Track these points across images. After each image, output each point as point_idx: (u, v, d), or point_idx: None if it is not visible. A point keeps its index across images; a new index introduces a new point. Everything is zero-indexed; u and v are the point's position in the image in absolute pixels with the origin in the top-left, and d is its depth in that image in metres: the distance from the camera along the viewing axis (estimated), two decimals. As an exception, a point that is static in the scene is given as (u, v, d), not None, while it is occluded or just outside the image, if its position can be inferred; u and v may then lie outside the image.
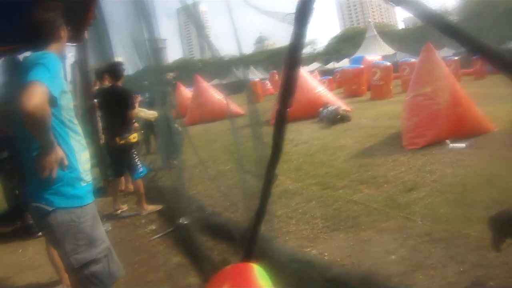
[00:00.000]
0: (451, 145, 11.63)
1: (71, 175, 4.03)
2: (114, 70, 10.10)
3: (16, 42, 8.34)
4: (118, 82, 9.97)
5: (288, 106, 4.01)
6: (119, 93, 9.76)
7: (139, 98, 10.72)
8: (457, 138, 11.87)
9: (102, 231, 4.40)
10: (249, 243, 5.23)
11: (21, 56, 6.11)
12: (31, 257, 8.47)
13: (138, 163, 9.87)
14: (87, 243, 4.09)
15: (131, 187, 11.33)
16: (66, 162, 3.91)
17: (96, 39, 12.85)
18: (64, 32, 4.38)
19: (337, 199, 8.66)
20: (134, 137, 9.77)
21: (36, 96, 3.43)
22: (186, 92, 35.79)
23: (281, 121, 4.12)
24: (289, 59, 3.85)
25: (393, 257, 5.97)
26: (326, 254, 6.38)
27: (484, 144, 11.47)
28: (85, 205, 4.13)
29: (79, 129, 4.29)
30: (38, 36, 4.16)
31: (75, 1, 7.79)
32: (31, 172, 3.95)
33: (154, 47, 8.99)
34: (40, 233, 8.98)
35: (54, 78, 3.71)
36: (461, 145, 11.52)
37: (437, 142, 11.84)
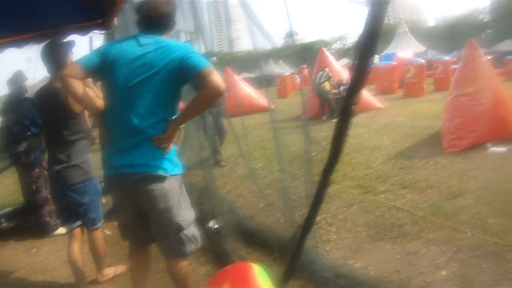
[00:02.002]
0: (492, 149, 11.28)
1: (174, 147, 4.46)
2: None
3: (56, 26, 8.13)
4: None
5: (356, 102, 3.56)
6: None
7: None
8: (497, 141, 11.52)
9: None
10: (293, 257, 4.88)
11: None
12: (45, 258, 8.14)
13: None
14: (187, 206, 4.61)
15: None
16: (176, 138, 4.45)
17: (125, 27, 12.71)
18: (174, 25, 4.75)
19: (380, 204, 8.26)
20: None
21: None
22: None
23: (345, 119, 3.62)
24: (363, 46, 3.31)
25: (443, 272, 5.61)
26: (371, 268, 5.97)
27: None
28: (182, 173, 4.55)
29: None
30: (160, 25, 4.49)
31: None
32: (145, 142, 4.18)
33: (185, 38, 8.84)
34: (56, 232, 8.76)
35: None
36: (502, 149, 11.18)
37: (478, 145, 11.47)
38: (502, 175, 9.17)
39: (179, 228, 4.43)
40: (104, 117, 4.51)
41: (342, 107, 3.60)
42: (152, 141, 4.16)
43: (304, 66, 57.10)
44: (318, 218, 7.37)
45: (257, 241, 7.08)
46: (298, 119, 21.13)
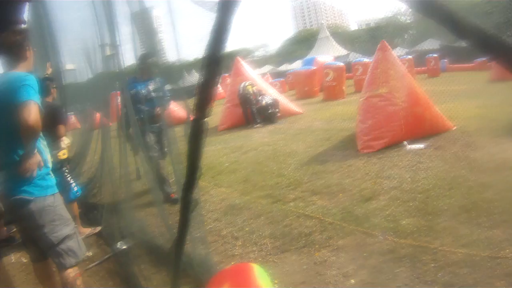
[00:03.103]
0: (408, 146, 11.20)
1: (44, 171, 4.91)
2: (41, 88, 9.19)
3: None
4: (47, 98, 8.89)
5: (206, 115, 3.22)
6: (47, 109, 8.73)
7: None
8: (415, 138, 11.51)
9: (68, 213, 5.25)
10: (174, 279, 4.82)
11: None
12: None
13: (72, 182, 8.92)
14: (62, 223, 4.99)
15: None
16: (42, 164, 4.81)
17: (39, 45, 12.49)
18: (30, 53, 5.11)
19: (288, 213, 7.92)
20: (63, 153, 8.76)
21: (34, 113, 4.39)
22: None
23: (196, 133, 3.27)
24: (209, 56, 2.99)
25: (352, 281, 5.41)
26: (276, 281, 5.65)
27: (443, 144, 11.08)
28: (56, 193, 5.05)
29: (42, 136, 5.06)
30: (8, 57, 4.91)
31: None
32: (12, 172, 4.74)
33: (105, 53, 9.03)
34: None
35: (38, 96, 4.61)
36: (420, 145, 11.13)
37: (394, 144, 11.41)
38: (418, 172, 9.05)
39: (51, 243, 4.90)
40: None
41: (193, 121, 3.27)
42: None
43: (227, 75, 57.04)
44: (224, 232, 7.43)
45: (163, 261, 6.65)
46: (217, 129, 21.47)
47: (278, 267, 6.03)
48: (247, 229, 7.60)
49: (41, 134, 4.94)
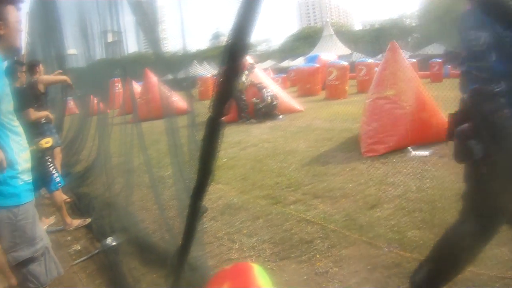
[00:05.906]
0: (413, 152, 10.95)
1: (9, 174, 4.13)
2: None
3: None
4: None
5: (224, 113, 2.90)
6: (21, 91, 8.47)
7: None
8: (420, 145, 11.26)
9: (40, 229, 4.55)
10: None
11: None
12: None
13: (54, 172, 8.53)
14: (25, 241, 4.28)
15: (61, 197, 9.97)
16: (5, 164, 4.03)
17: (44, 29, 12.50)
18: (6, 31, 4.29)
19: (288, 217, 7.61)
20: (46, 141, 8.50)
21: None
22: (136, 86, 34.02)
23: (212, 133, 2.96)
24: (232, 44, 2.64)
25: None
26: (274, 291, 5.27)
27: (448, 153, 10.40)
28: (22, 204, 4.25)
29: (19, 130, 4.40)
30: None
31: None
32: None
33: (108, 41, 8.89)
34: None
35: None
36: (424, 153, 10.87)
37: (399, 149, 11.16)
38: (424, 181, 8.77)
39: (10, 262, 4.34)
40: None
41: (208, 119, 2.95)
42: None
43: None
44: (220, 233, 7.09)
45: (154, 260, 6.40)
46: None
47: (277, 275, 5.70)
48: (244, 231, 7.28)
49: (17, 131, 4.40)
